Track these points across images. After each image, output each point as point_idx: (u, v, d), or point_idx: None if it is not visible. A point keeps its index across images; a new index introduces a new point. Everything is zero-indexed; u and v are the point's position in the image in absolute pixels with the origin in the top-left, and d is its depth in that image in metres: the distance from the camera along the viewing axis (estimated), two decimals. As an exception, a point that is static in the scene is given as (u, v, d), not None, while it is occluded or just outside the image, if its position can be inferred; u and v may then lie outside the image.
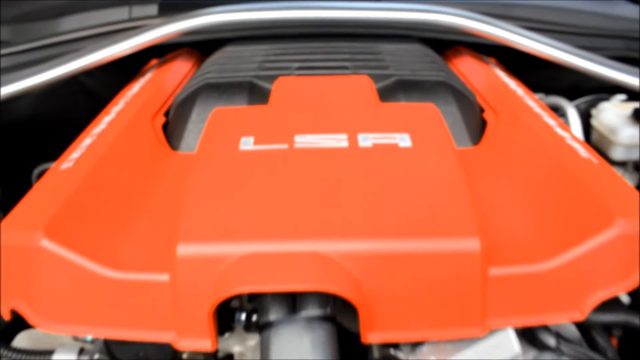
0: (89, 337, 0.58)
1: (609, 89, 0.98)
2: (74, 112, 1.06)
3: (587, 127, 1.00)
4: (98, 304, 0.51)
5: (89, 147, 0.67)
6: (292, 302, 0.50)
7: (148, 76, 0.95)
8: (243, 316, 0.55)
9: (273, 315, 0.49)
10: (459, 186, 0.55)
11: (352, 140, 0.62)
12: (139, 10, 1.06)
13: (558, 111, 1.01)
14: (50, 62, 0.87)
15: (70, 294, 0.51)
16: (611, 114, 0.95)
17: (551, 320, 0.51)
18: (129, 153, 0.69)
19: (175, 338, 0.50)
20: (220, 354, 0.62)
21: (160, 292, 0.50)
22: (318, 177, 0.57)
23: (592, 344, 0.57)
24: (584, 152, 0.64)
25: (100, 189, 0.62)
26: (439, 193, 0.54)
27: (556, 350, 0.53)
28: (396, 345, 0.55)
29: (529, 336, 0.54)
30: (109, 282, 0.50)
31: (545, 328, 0.54)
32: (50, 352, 0.58)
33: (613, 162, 0.95)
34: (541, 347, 0.54)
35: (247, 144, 0.62)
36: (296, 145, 0.61)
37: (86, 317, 0.52)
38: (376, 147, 0.61)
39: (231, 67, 0.86)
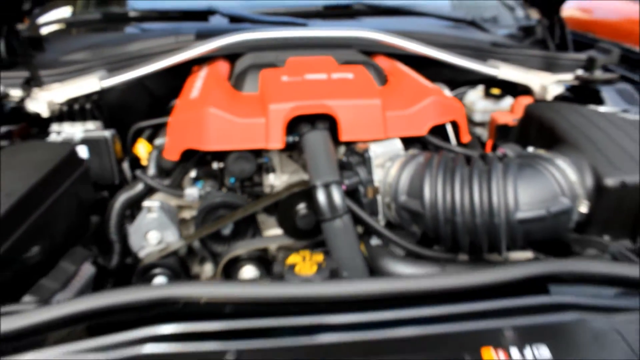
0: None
1: (475, 82, 1.49)
2: (139, 100, 1.49)
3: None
4: (233, 135, 1.00)
5: (202, 88, 1.18)
6: (312, 124, 1.00)
7: (205, 69, 1.34)
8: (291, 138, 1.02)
9: (305, 129, 0.98)
10: (373, 86, 1.11)
11: (329, 75, 1.14)
12: (182, 38, 1.47)
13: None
14: (126, 70, 1.27)
15: (219, 132, 1.00)
16: (473, 95, 1.44)
17: (412, 133, 1.06)
18: (226, 89, 1.19)
19: (266, 145, 0.99)
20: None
21: (260, 127, 0.99)
22: (314, 85, 1.09)
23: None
24: (429, 85, 1.25)
25: (219, 95, 1.12)
26: (365, 88, 1.09)
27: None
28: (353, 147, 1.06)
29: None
30: (238, 124, 1.00)
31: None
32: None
33: (475, 123, 1.42)
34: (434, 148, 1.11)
35: (284, 78, 1.12)
36: (305, 77, 1.13)
37: (226, 141, 1.00)
38: (338, 78, 1.13)
39: (258, 60, 1.26)
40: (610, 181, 0.85)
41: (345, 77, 1.13)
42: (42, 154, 0.97)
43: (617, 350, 0.57)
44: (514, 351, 0.55)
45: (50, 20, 1.74)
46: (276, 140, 0.99)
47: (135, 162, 1.23)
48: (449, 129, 1.17)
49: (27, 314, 0.55)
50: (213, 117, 1.01)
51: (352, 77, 1.13)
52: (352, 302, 0.60)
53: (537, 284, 0.64)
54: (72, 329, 0.57)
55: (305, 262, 0.76)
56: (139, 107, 1.46)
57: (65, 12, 1.87)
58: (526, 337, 0.57)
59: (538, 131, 1.08)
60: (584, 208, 0.86)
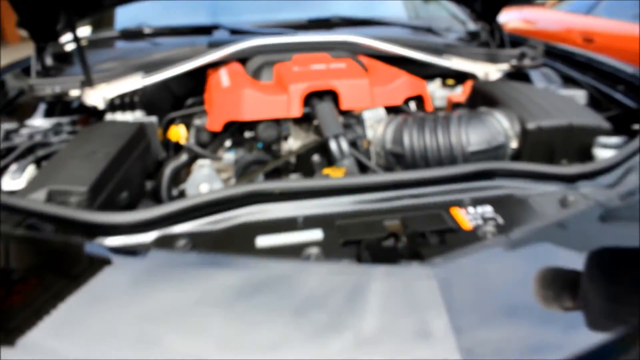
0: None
1: (433, 76, 1.83)
2: (164, 98, 1.77)
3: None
4: (263, 108, 1.35)
5: (230, 79, 1.50)
6: (320, 98, 1.37)
7: (224, 69, 1.64)
8: (305, 110, 1.39)
9: (316, 101, 1.38)
10: (361, 71, 1.47)
11: (327, 65, 1.49)
12: (197, 48, 1.76)
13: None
14: (160, 71, 1.58)
15: (253, 106, 1.35)
16: (432, 86, 1.77)
17: (391, 103, 1.42)
18: (249, 79, 1.51)
19: (288, 114, 1.35)
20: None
21: (283, 102, 1.35)
22: (318, 72, 1.43)
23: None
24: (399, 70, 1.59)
25: (247, 83, 1.45)
26: (355, 72, 1.45)
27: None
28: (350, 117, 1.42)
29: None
30: (267, 100, 1.36)
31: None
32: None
33: (436, 109, 1.72)
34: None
35: (295, 68, 1.44)
36: (310, 67, 1.46)
37: (258, 113, 1.35)
38: (335, 67, 1.48)
39: (269, 59, 1.58)
40: (530, 125, 1.23)
41: (339, 66, 1.49)
42: (120, 128, 1.29)
43: (535, 209, 0.93)
44: (470, 209, 0.91)
45: (72, 39, 2.05)
46: (295, 110, 1.33)
47: (166, 145, 1.54)
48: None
49: (178, 202, 0.88)
50: (248, 95, 1.35)
51: (344, 66, 1.49)
52: (373, 187, 0.95)
53: (485, 175, 1.00)
54: (203, 212, 0.90)
55: (334, 173, 1.11)
56: (164, 104, 1.78)
57: (85, 31, 2.19)
58: (478, 202, 0.93)
59: (481, 99, 1.46)
60: (514, 144, 1.24)
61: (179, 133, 1.50)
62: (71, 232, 0.88)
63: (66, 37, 2.08)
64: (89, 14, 1.81)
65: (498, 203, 0.94)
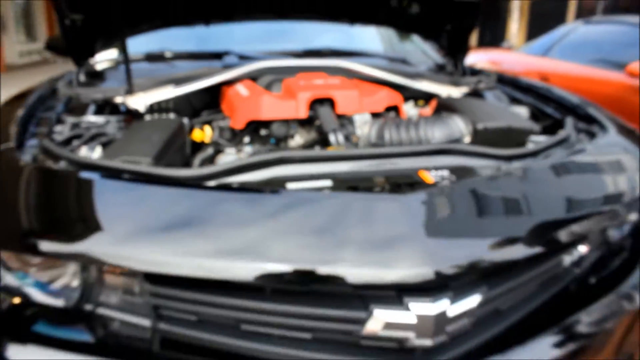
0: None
1: (407, 98, 2.17)
2: (185, 108, 2.06)
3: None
4: (277, 110, 1.72)
5: (249, 90, 1.83)
6: (321, 103, 1.75)
7: (240, 84, 1.99)
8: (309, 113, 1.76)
9: (318, 105, 1.74)
10: (352, 84, 1.84)
11: (326, 81, 1.84)
12: (213, 69, 2.09)
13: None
14: (186, 84, 1.95)
15: (270, 109, 1.71)
16: (406, 106, 2.12)
17: (375, 110, 1.81)
18: (262, 89, 1.85)
19: (296, 115, 1.70)
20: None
21: (293, 105, 1.71)
22: (319, 85, 1.78)
23: None
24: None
25: (262, 92, 1.80)
26: (348, 85, 1.84)
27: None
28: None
29: None
30: (280, 103, 1.72)
31: None
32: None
33: None
34: None
35: (301, 82, 1.80)
36: (313, 82, 1.80)
37: (274, 113, 1.72)
38: (332, 82, 1.84)
39: (277, 76, 1.95)
40: (479, 126, 1.63)
41: (335, 82, 1.88)
42: (166, 122, 1.66)
43: (478, 173, 1.32)
44: (433, 172, 1.30)
45: (106, 59, 2.43)
46: (302, 112, 1.72)
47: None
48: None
49: (229, 162, 1.24)
50: (266, 100, 1.73)
51: (339, 81, 1.88)
52: (365, 156, 1.34)
53: (444, 152, 1.39)
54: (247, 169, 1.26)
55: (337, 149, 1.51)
56: (186, 114, 2.13)
57: (112, 54, 2.56)
58: (438, 168, 1.32)
59: (444, 110, 1.87)
60: (467, 139, 1.65)
61: (204, 133, 1.87)
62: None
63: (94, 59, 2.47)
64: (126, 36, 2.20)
65: (453, 169, 1.33)
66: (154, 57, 2.45)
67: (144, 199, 1.16)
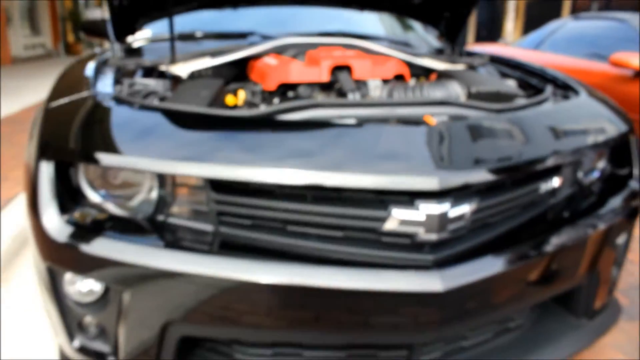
0: None
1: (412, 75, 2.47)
2: (219, 77, 2.33)
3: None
4: (304, 74, 1.97)
5: (278, 60, 2.10)
6: (340, 70, 2.01)
7: (268, 56, 2.28)
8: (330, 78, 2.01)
9: (338, 72, 2.00)
10: (366, 55, 2.07)
11: (343, 52, 2.12)
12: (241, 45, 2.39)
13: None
14: (222, 55, 2.23)
15: (297, 73, 1.96)
16: (410, 82, 2.43)
17: (386, 77, 2.06)
18: (289, 58, 2.13)
19: (320, 79, 1.97)
20: None
21: (317, 71, 1.97)
22: (338, 55, 2.04)
23: None
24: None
25: (290, 60, 2.04)
26: (362, 56, 2.06)
27: None
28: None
29: None
30: (306, 69, 1.99)
31: None
32: None
33: None
34: None
35: (322, 53, 2.07)
36: (332, 53, 2.09)
37: (301, 77, 1.98)
38: (349, 54, 2.10)
39: (301, 49, 2.22)
40: (473, 89, 1.95)
41: (351, 53, 2.18)
42: (211, 81, 1.96)
43: (471, 117, 1.63)
44: (435, 117, 1.61)
45: (142, 38, 2.73)
46: (325, 76, 2.01)
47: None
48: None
49: (278, 105, 1.55)
50: (294, 65, 2.02)
51: (354, 53, 2.19)
52: (381, 104, 1.65)
53: (444, 103, 1.70)
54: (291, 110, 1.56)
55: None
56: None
57: (146, 33, 2.86)
58: (439, 115, 1.63)
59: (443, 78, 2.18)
60: (463, 100, 1.96)
61: (238, 97, 2.16)
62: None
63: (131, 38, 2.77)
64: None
65: (451, 116, 1.64)
66: (185, 37, 2.75)
67: (208, 130, 1.46)
